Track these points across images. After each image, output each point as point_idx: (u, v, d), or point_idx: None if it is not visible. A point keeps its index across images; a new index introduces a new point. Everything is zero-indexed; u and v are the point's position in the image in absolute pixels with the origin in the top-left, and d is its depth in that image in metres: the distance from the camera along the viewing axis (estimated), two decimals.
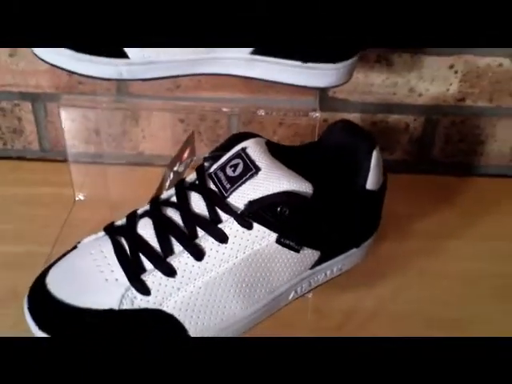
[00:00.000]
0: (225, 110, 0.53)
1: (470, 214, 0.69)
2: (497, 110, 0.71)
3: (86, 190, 0.61)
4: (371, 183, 0.46)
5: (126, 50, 0.50)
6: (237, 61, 0.51)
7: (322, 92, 0.67)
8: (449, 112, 0.71)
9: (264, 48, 0.49)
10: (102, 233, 0.45)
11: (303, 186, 0.42)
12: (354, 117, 0.71)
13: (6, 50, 0.68)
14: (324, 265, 0.47)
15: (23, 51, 0.68)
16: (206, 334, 0.43)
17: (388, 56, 0.68)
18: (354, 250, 0.48)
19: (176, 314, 0.42)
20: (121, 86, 0.60)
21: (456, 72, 0.69)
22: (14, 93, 0.71)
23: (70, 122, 0.61)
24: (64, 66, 0.50)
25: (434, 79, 0.69)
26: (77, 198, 0.59)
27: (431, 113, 0.71)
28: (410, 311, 0.58)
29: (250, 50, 0.50)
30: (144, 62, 0.50)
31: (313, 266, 0.46)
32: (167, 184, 0.53)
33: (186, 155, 0.52)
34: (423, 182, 0.73)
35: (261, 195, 0.42)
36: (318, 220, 0.43)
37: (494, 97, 0.70)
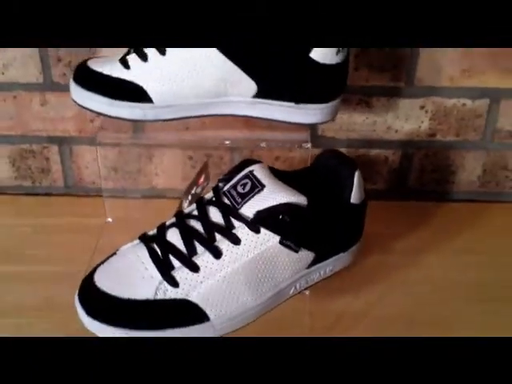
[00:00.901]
0: (227, 142, 0.65)
1: (443, 233, 0.80)
2: (464, 144, 0.83)
3: (113, 215, 0.72)
4: (354, 198, 0.58)
5: (151, 95, 0.62)
6: (241, 103, 0.63)
7: (313, 131, 0.79)
8: (422, 146, 0.84)
9: (265, 91, 0.62)
10: (137, 241, 0.56)
11: (299, 199, 0.54)
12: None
13: (37, 100, 0.80)
14: (318, 265, 0.58)
15: (53, 101, 0.80)
16: (223, 320, 0.54)
17: (368, 99, 0.80)
18: (342, 254, 0.60)
19: (199, 303, 0.53)
20: (137, 128, 0.72)
21: (426, 111, 0.81)
22: (43, 137, 0.83)
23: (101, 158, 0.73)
24: (101, 111, 0.62)
25: (407, 118, 0.82)
26: (106, 221, 0.71)
27: (407, 147, 0.84)
28: (393, 314, 0.68)
29: (253, 94, 0.62)
30: (165, 105, 0.63)
31: (309, 266, 0.57)
32: (186, 205, 0.64)
33: (201, 180, 0.64)
34: (402, 207, 0.85)
35: (266, 206, 0.53)
36: (312, 226, 0.55)
37: (461, 132, 0.83)
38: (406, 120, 0.82)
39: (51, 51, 0.77)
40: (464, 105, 0.81)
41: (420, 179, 0.86)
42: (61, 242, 0.77)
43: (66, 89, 0.77)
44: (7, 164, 0.85)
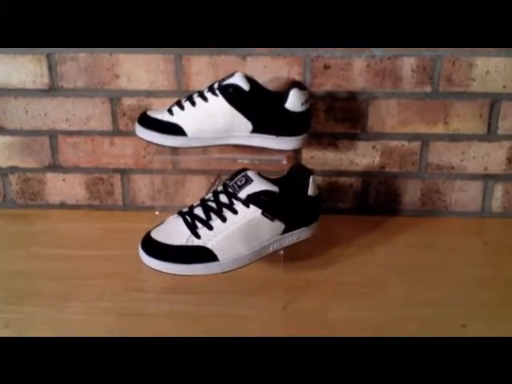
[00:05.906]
0: (240, 161, 1.03)
1: (391, 235, 1.17)
2: (406, 174, 1.21)
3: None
4: (311, 192, 0.96)
5: (186, 131, 1.02)
6: (242, 136, 1.02)
7: (298, 162, 1.17)
8: (376, 175, 1.21)
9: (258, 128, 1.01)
10: (176, 214, 0.95)
11: (273, 188, 0.92)
12: (318, 179, 1.21)
13: (108, 142, 1.21)
14: (287, 234, 0.96)
15: (118, 143, 1.21)
16: (226, 261, 0.91)
17: (335, 142, 1.19)
18: (304, 228, 0.97)
19: (213, 249, 0.91)
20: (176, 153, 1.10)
21: (377, 150, 1.19)
22: (110, 168, 1.24)
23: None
24: (155, 141, 1.03)
25: (364, 155, 1.20)
26: (156, 213, 1.10)
27: (365, 176, 1.21)
28: (345, 281, 1.05)
29: (250, 130, 1.01)
30: (195, 137, 1.02)
31: (282, 233, 0.95)
32: (206, 196, 1.02)
33: (216, 183, 1.03)
34: (363, 220, 1.22)
35: (253, 191, 0.92)
36: (281, 205, 0.93)
37: (402, 165, 1.20)
38: (363, 156, 1.20)
39: (119, 109, 1.18)
40: (403, 145, 1.19)
41: (376, 199, 1.23)
42: (121, 237, 1.16)
43: (127, 134, 1.19)
44: (83, 188, 1.25)
